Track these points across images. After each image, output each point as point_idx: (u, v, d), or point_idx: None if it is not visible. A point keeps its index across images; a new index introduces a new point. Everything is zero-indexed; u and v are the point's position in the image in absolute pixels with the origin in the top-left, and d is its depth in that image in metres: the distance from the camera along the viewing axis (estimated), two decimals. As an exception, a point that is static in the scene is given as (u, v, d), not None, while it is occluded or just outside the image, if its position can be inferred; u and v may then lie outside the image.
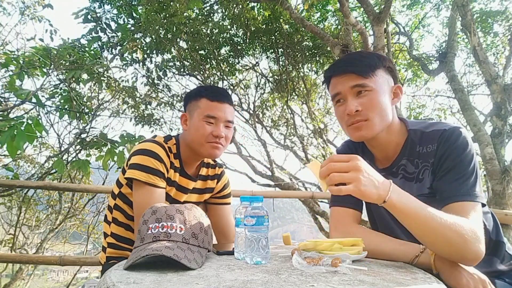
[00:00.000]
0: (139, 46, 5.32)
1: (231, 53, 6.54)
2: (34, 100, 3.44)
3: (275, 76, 6.91)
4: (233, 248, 0.99)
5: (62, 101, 3.99)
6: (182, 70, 6.73)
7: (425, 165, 1.07)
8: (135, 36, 5.46)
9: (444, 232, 0.87)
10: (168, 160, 1.34)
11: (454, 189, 0.99)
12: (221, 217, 1.57)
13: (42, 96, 4.21)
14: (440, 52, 5.37)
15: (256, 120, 7.29)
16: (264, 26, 6.05)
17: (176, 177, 1.40)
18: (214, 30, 5.83)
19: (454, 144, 1.02)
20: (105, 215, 1.48)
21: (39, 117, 3.96)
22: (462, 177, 0.99)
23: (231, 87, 6.99)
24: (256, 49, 6.64)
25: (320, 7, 6.06)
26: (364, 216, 1.28)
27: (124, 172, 1.33)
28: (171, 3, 4.77)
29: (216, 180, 1.55)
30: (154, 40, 5.42)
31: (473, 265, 0.91)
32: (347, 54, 1.18)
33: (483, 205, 0.99)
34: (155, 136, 1.42)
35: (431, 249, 0.94)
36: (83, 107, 4.28)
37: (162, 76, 6.45)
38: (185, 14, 4.95)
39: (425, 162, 1.07)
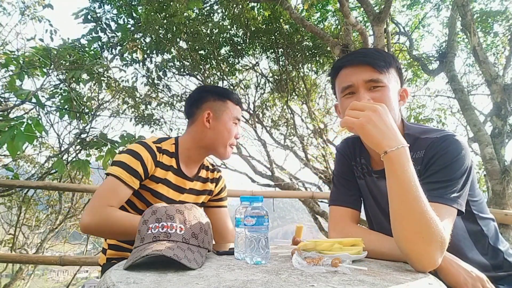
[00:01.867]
0: (139, 46, 5.32)
1: (231, 53, 6.54)
2: (34, 100, 3.44)
3: (275, 76, 6.90)
4: (230, 248, 0.99)
5: (62, 101, 3.99)
6: (182, 70, 6.73)
7: (417, 172, 1.06)
8: (135, 36, 5.46)
9: (419, 220, 0.83)
10: (150, 159, 1.34)
11: (430, 190, 0.95)
12: (219, 219, 1.60)
13: (42, 96, 4.21)
14: (440, 52, 5.37)
15: (256, 120, 7.28)
16: (264, 26, 6.04)
17: (168, 176, 1.40)
18: (214, 30, 5.82)
19: (442, 151, 0.99)
20: None
21: (39, 117, 3.96)
22: (443, 181, 0.96)
23: (231, 87, 6.99)
24: (256, 49, 6.64)
25: (320, 7, 6.06)
26: (364, 215, 1.28)
27: None
28: (171, 3, 4.77)
29: (214, 184, 1.60)
30: (154, 40, 5.42)
31: (423, 271, 0.86)
32: (361, 48, 1.18)
33: (461, 212, 0.96)
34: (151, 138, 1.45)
35: (395, 231, 0.89)
36: (83, 107, 4.28)
37: (162, 76, 6.45)
38: (185, 14, 4.95)
39: (416, 169, 1.06)
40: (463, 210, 0.96)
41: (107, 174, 1.28)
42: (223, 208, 1.64)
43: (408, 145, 0.89)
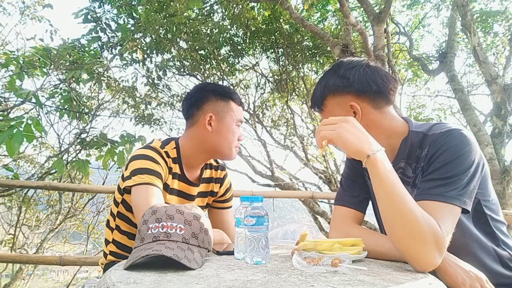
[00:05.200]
0: (139, 46, 5.32)
1: (231, 53, 6.54)
2: (34, 100, 3.44)
3: (275, 76, 6.90)
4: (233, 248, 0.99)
5: (62, 101, 3.99)
6: (182, 70, 6.73)
7: (421, 169, 1.04)
8: (135, 36, 5.46)
9: (408, 220, 0.83)
10: (165, 165, 1.29)
11: (430, 188, 0.92)
12: (223, 222, 1.54)
13: (42, 96, 4.22)
14: (440, 52, 5.37)
15: (256, 120, 7.28)
16: (264, 26, 6.04)
17: (175, 184, 1.34)
18: (214, 30, 5.82)
19: (445, 146, 0.96)
20: (107, 220, 1.44)
21: (39, 117, 3.97)
22: (445, 178, 0.92)
23: (231, 87, 6.98)
24: (256, 49, 6.64)
25: (320, 7, 6.05)
26: (365, 216, 1.27)
27: (123, 178, 1.28)
28: (171, 3, 4.76)
29: (219, 184, 1.51)
30: (154, 40, 5.42)
31: (423, 271, 0.85)
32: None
33: (466, 211, 0.92)
34: (153, 141, 1.37)
35: (388, 234, 0.90)
36: (83, 107, 4.28)
37: (162, 76, 6.45)
38: (185, 14, 4.94)
39: (420, 166, 1.04)
40: (468, 209, 0.92)
41: (134, 185, 1.19)
42: (228, 210, 1.56)
43: (383, 148, 0.90)
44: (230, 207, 1.58)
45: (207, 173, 1.47)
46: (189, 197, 1.41)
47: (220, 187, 1.52)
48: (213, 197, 1.52)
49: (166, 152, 1.32)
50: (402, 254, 0.88)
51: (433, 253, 0.84)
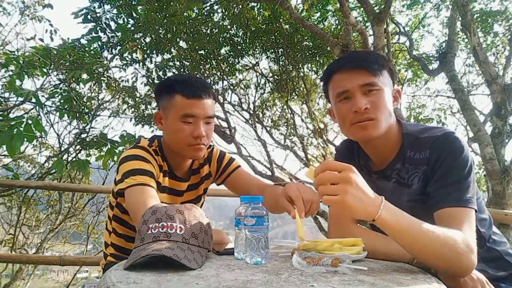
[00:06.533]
0: (139, 46, 5.32)
1: (231, 53, 6.53)
2: (34, 100, 3.45)
3: (275, 76, 6.90)
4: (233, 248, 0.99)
5: (62, 101, 4.00)
6: (182, 70, 6.72)
7: (415, 171, 1.06)
8: (135, 36, 5.45)
9: (436, 248, 0.84)
10: (156, 163, 1.27)
11: (446, 194, 0.96)
12: (243, 182, 1.45)
13: (42, 96, 4.23)
14: (440, 52, 5.37)
15: (256, 120, 7.28)
16: (264, 26, 6.04)
17: (165, 182, 1.33)
18: (214, 30, 5.82)
19: (448, 150, 0.99)
20: (106, 223, 1.45)
21: (39, 117, 3.97)
22: (455, 182, 0.96)
23: (231, 87, 6.99)
24: (256, 49, 6.64)
25: (320, 7, 6.05)
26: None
27: (116, 182, 1.26)
28: (171, 3, 4.76)
29: (208, 163, 1.46)
30: (154, 40, 5.42)
31: (466, 275, 0.89)
32: (352, 51, 1.16)
33: (476, 210, 0.97)
34: (140, 140, 1.36)
35: (424, 263, 0.92)
36: (83, 107, 4.29)
37: (162, 76, 6.44)
38: (185, 14, 4.94)
39: (415, 168, 1.06)
40: (476, 209, 0.97)
41: (127, 187, 1.16)
42: (239, 169, 1.47)
43: (383, 197, 0.86)
44: (239, 166, 1.49)
45: (196, 164, 1.44)
46: (179, 193, 1.39)
47: (210, 164, 1.47)
48: (208, 179, 1.48)
49: (154, 150, 1.31)
50: (447, 271, 0.90)
51: (470, 257, 0.86)
